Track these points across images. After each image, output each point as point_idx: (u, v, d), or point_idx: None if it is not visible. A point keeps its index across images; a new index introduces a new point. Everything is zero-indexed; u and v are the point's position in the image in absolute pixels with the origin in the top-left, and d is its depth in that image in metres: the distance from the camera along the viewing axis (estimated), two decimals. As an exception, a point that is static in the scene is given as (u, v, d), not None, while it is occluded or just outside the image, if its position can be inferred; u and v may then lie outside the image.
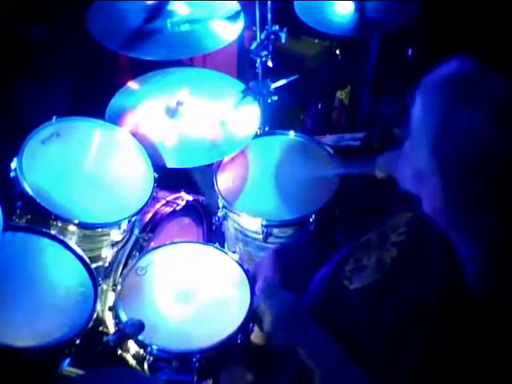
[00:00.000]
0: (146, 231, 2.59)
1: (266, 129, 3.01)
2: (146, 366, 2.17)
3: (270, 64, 3.00)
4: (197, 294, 2.31)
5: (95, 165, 2.54)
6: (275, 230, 2.57)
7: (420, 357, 1.49)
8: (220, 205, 2.65)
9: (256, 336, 2.31)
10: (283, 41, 3.02)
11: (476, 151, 1.37)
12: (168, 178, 2.68)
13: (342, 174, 2.62)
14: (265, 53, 2.96)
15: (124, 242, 2.51)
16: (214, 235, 2.86)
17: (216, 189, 2.65)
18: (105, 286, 2.50)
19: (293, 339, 1.75)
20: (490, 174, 1.38)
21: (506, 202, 1.40)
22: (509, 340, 1.43)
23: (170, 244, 2.47)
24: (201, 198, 2.80)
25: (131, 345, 2.19)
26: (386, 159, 2.29)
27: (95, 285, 2.23)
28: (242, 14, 2.83)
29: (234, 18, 2.82)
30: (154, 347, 2.14)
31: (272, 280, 2.23)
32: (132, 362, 2.21)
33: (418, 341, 1.50)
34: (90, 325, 2.14)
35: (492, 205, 1.41)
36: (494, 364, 1.44)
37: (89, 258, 2.30)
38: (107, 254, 2.46)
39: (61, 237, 2.28)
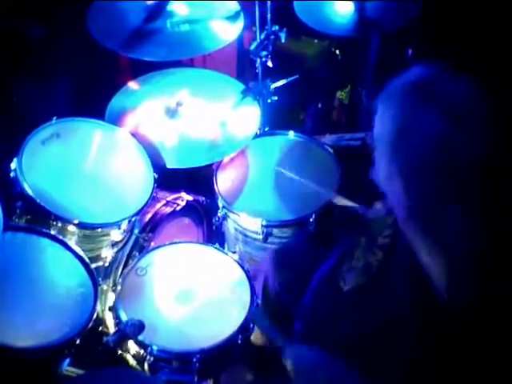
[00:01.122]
0: (146, 231, 2.59)
1: (266, 129, 3.01)
2: (146, 366, 2.17)
3: (269, 64, 3.00)
4: (197, 294, 2.31)
5: (95, 165, 2.55)
6: (275, 230, 2.57)
7: (405, 359, 1.50)
8: (220, 205, 2.65)
9: (256, 336, 2.31)
10: (283, 41, 3.02)
11: (435, 152, 1.38)
12: (168, 178, 2.67)
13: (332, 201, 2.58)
14: (264, 53, 2.96)
15: (124, 242, 2.51)
16: (213, 235, 2.86)
17: (216, 189, 2.66)
18: (105, 287, 2.49)
19: None
20: (451, 175, 1.38)
21: (468, 200, 1.40)
22: (487, 342, 1.44)
23: (170, 244, 2.47)
24: (201, 199, 2.80)
25: (131, 345, 2.19)
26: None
27: (95, 285, 2.24)
28: (241, 14, 2.83)
29: (233, 18, 2.82)
30: (155, 347, 2.14)
31: (271, 283, 2.24)
32: (132, 362, 2.22)
33: (402, 344, 1.51)
34: (90, 325, 2.14)
35: (454, 204, 1.41)
36: (476, 362, 1.44)
37: (89, 258, 2.30)
38: (107, 254, 2.46)
39: (61, 237, 2.29)
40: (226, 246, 2.79)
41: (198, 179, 2.91)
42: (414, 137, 1.40)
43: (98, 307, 2.23)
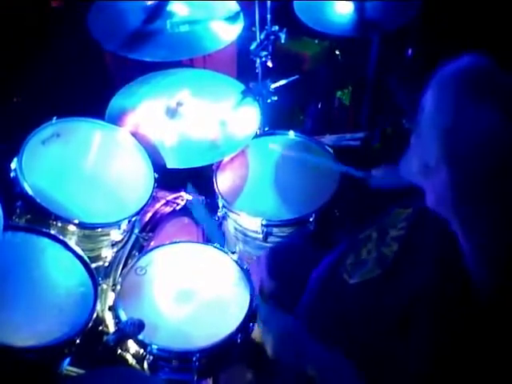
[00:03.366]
0: (146, 231, 2.60)
1: (266, 129, 3.01)
2: (145, 365, 2.17)
3: (269, 64, 3.00)
4: (197, 293, 2.31)
5: (95, 165, 2.55)
6: (275, 230, 2.57)
7: (423, 348, 1.49)
8: (220, 205, 2.65)
9: (256, 335, 2.31)
10: (283, 41, 3.02)
11: (487, 149, 1.37)
12: (168, 178, 2.68)
13: (342, 172, 2.62)
14: (264, 53, 2.97)
15: (124, 241, 2.51)
16: (213, 235, 2.86)
17: (216, 189, 2.66)
18: (105, 286, 2.49)
19: (295, 363, 1.74)
20: (500, 171, 1.38)
21: None
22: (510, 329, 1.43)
23: (170, 244, 2.47)
24: (201, 198, 2.80)
25: (131, 344, 2.19)
26: (383, 173, 2.31)
27: (95, 284, 2.24)
28: (241, 15, 2.83)
29: (233, 18, 2.82)
30: (154, 346, 2.14)
31: (267, 283, 2.24)
32: (132, 361, 2.21)
33: (421, 332, 1.50)
34: (90, 324, 2.14)
35: (499, 201, 1.41)
36: (496, 353, 1.44)
37: (89, 257, 2.30)
38: (107, 253, 2.46)
39: (61, 237, 2.29)
40: (225, 245, 2.79)
41: (198, 179, 2.91)
42: (467, 129, 1.38)
43: (98, 307, 2.23)
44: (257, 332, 2.27)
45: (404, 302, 1.57)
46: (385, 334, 1.58)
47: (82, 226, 2.35)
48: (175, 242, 2.48)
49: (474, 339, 1.45)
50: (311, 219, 2.55)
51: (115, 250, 2.48)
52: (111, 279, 2.53)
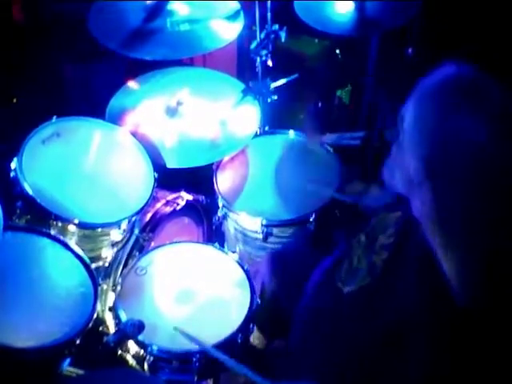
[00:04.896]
0: (146, 231, 2.59)
1: (266, 128, 3.01)
2: (146, 366, 2.17)
3: (269, 63, 3.00)
4: (197, 293, 2.31)
5: (95, 165, 2.54)
6: (275, 230, 2.58)
7: (416, 360, 1.49)
8: (220, 204, 2.65)
9: (256, 336, 2.32)
10: (283, 40, 3.01)
11: (470, 163, 1.33)
12: (168, 178, 2.67)
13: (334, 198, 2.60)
14: (265, 52, 2.96)
15: (124, 241, 2.51)
16: (213, 235, 2.86)
17: (216, 189, 2.66)
18: (105, 286, 2.50)
19: None
20: (484, 186, 1.35)
21: (498, 215, 1.37)
22: (497, 344, 1.43)
23: (170, 244, 2.47)
24: (201, 198, 2.80)
25: (131, 345, 2.19)
26: (373, 197, 2.30)
27: (95, 285, 2.23)
28: (241, 14, 2.82)
29: (233, 17, 2.82)
30: (154, 347, 2.14)
31: (269, 285, 2.24)
32: (132, 362, 2.22)
33: (411, 345, 1.49)
34: (90, 325, 2.14)
35: (483, 217, 1.38)
36: (484, 367, 1.43)
37: (89, 257, 2.29)
38: (107, 253, 2.46)
39: (61, 237, 2.28)
40: (225, 245, 2.80)
41: (198, 179, 2.90)
42: (451, 146, 1.34)
43: (98, 307, 2.23)
44: (257, 333, 2.27)
45: (394, 313, 1.56)
46: (379, 346, 1.57)
47: (82, 225, 2.35)
48: (175, 242, 2.48)
49: (461, 349, 1.44)
50: (311, 219, 2.56)
51: (115, 250, 2.48)
52: (111, 279, 2.53)
